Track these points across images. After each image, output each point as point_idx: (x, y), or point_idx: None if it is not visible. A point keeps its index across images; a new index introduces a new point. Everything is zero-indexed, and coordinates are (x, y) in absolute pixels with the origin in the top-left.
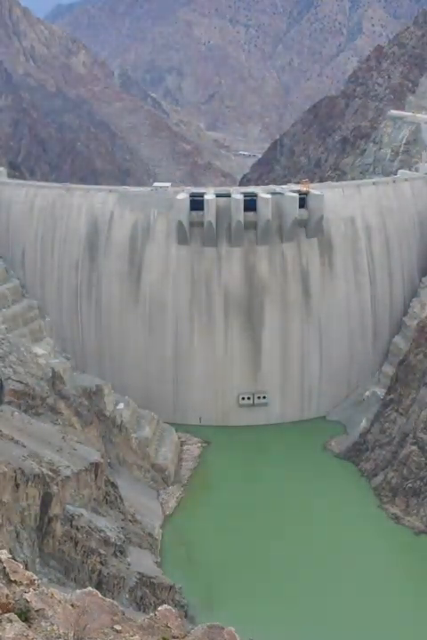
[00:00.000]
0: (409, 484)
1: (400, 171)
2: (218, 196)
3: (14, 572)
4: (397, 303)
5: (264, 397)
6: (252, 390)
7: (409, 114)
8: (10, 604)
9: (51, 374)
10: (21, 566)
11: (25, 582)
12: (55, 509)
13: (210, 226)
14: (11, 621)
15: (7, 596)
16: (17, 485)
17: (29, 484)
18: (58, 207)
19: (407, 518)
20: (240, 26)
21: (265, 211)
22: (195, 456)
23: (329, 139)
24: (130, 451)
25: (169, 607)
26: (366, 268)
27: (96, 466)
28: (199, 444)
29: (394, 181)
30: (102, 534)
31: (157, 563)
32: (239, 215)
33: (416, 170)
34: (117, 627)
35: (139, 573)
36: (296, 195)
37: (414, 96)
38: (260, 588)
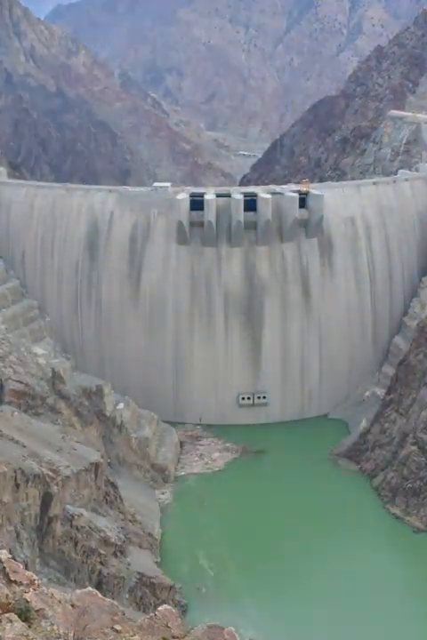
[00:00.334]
0: (409, 484)
1: (400, 171)
2: (218, 195)
3: (14, 572)
4: (397, 303)
5: (264, 397)
6: (252, 390)
7: (409, 114)
8: (10, 603)
9: (51, 374)
10: (21, 566)
11: (25, 582)
12: (55, 509)
13: (210, 226)
14: (11, 621)
15: (7, 596)
16: (17, 485)
17: (29, 484)
18: (58, 207)
19: (407, 518)
20: (240, 26)
21: (265, 211)
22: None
23: (329, 139)
24: (130, 451)
25: (169, 607)
26: (366, 268)
27: (96, 466)
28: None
29: (394, 181)
30: (102, 534)
31: (157, 563)
32: (239, 215)
33: (416, 170)
34: (117, 627)
35: (139, 573)
36: (296, 195)
37: (414, 96)
38: (260, 588)
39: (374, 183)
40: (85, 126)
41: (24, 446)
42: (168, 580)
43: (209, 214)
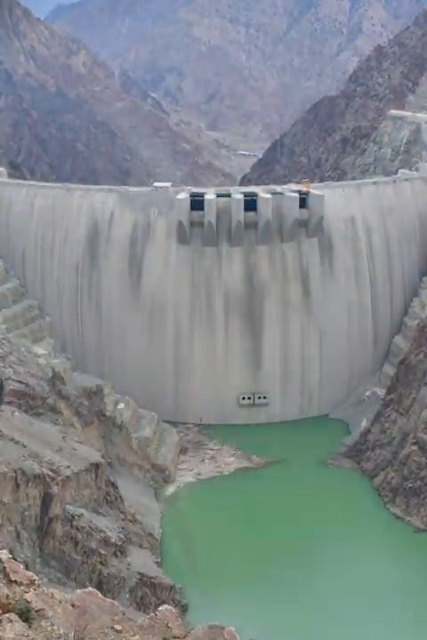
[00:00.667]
0: (409, 484)
1: (400, 171)
2: (218, 195)
3: (15, 572)
4: (397, 303)
5: (264, 397)
6: (252, 390)
7: (409, 114)
8: (10, 603)
9: (51, 374)
10: (22, 566)
11: (25, 582)
12: (55, 509)
13: (210, 226)
14: (11, 621)
15: (7, 595)
16: (17, 485)
17: (30, 484)
18: (58, 207)
19: (408, 518)
20: (240, 26)
21: (265, 211)
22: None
23: (329, 139)
24: (130, 451)
25: (169, 607)
26: (367, 268)
27: (96, 466)
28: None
29: (394, 181)
30: (102, 534)
31: (157, 563)
32: (239, 215)
33: (416, 170)
34: (117, 627)
35: (139, 573)
36: (296, 195)
37: (415, 96)
38: (260, 588)
39: (375, 183)
40: (85, 126)
41: (24, 446)
42: (168, 580)
43: (209, 214)
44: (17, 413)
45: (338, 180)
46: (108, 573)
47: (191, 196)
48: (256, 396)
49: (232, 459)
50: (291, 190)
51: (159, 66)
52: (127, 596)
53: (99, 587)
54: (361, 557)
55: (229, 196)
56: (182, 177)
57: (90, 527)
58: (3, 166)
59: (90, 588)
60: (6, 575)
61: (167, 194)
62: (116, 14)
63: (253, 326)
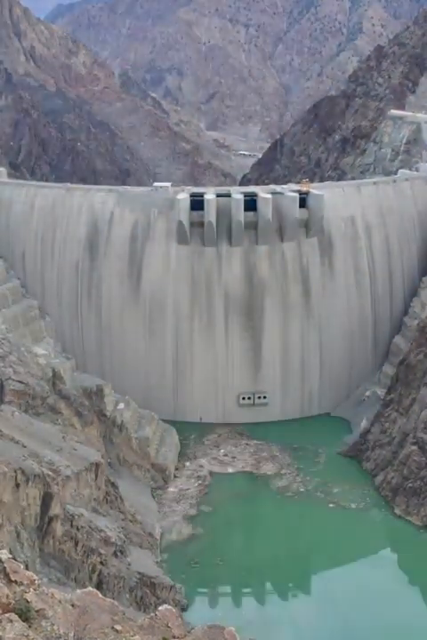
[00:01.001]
0: (409, 484)
1: (400, 171)
2: (218, 195)
3: (15, 572)
4: (397, 303)
5: (264, 397)
6: (252, 390)
7: (409, 114)
8: (10, 603)
9: (51, 374)
10: (22, 566)
11: (25, 582)
12: (55, 509)
13: (210, 226)
14: (11, 621)
15: (7, 595)
16: (17, 485)
17: (30, 483)
18: (58, 207)
19: (408, 518)
20: (240, 26)
21: (265, 211)
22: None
23: (329, 139)
24: (130, 451)
25: (169, 607)
26: (367, 268)
27: (96, 466)
28: None
29: (394, 181)
30: (102, 534)
31: (157, 563)
32: (239, 215)
33: (416, 170)
34: (117, 627)
35: (139, 573)
36: (296, 195)
37: (415, 96)
38: (260, 587)
39: (375, 183)
40: (85, 126)
41: (24, 446)
42: (168, 580)
43: (209, 214)
44: (17, 413)
45: (338, 179)
46: (108, 573)
47: (191, 196)
48: (256, 396)
49: (232, 458)
50: (291, 190)
51: (159, 66)
52: (127, 595)
53: (99, 587)
54: (361, 557)
55: (229, 196)
56: (182, 177)
57: (90, 527)
58: (3, 166)
59: (90, 588)
60: (6, 575)
61: (167, 194)
62: (116, 14)
63: (253, 326)
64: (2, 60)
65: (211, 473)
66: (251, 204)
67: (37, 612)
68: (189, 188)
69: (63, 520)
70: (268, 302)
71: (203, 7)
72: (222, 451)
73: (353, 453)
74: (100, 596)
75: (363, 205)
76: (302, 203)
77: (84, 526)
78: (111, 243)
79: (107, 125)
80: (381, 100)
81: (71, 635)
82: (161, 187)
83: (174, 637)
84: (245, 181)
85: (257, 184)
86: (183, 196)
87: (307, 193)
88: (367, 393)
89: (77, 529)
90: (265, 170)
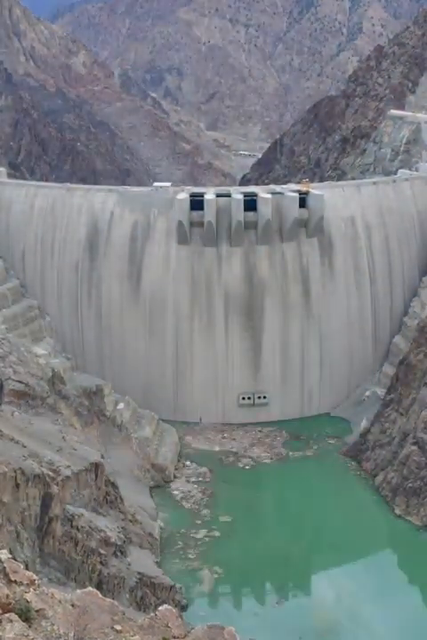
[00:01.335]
0: (409, 484)
1: (400, 171)
2: (218, 195)
3: (14, 572)
4: (397, 303)
5: (264, 397)
6: (252, 390)
7: (409, 114)
8: (10, 603)
9: (51, 374)
10: (22, 566)
11: (25, 582)
12: (55, 509)
13: (210, 226)
14: (11, 621)
15: (7, 595)
16: (17, 485)
17: (29, 484)
18: (58, 207)
19: (408, 518)
20: (240, 26)
21: (265, 211)
22: None
23: (329, 139)
24: (130, 451)
25: (169, 607)
26: (367, 268)
27: (96, 466)
28: None
29: (394, 181)
30: (102, 534)
31: (157, 563)
32: (239, 215)
33: (416, 170)
34: (117, 627)
35: (139, 573)
36: (296, 195)
37: (415, 96)
38: (260, 587)
39: (374, 183)
40: (85, 126)
41: (24, 446)
42: (168, 580)
43: (209, 214)
44: (17, 413)
45: (338, 180)
46: (108, 573)
47: (191, 196)
48: (256, 396)
49: (233, 458)
50: (291, 190)
51: (159, 66)
52: (127, 595)
53: (99, 587)
54: (361, 557)
55: (229, 196)
56: (182, 177)
57: (90, 527)
58: (3, 166)
59: (90, 588)
60: (6, 575)
61: (167, 194)
62: (115, 14)
63: (253, 326)
64: (2, 60)
65: (208, 472)
66: (251, 204)
67: (37, 612)
68: (189, 188)
69: (63, 520)
70: (268, 302)
71: (203, 7)
72: (219, 452)
73: (353, 453)
74: (100, 596)
75: (363, 205)
76: (302, 203)
77: (84, 526)
78: (111, 243)
79: (107, 125)
80: (381, 100)
81: (71, 635)
82: (161, 187)
83: (174, 637)
84: (245, 181)
85: (257, 184)
86: (183, 196)
87: (307, 193)
88: (367, 393)
89: (77, 529)
90: (265, 170)
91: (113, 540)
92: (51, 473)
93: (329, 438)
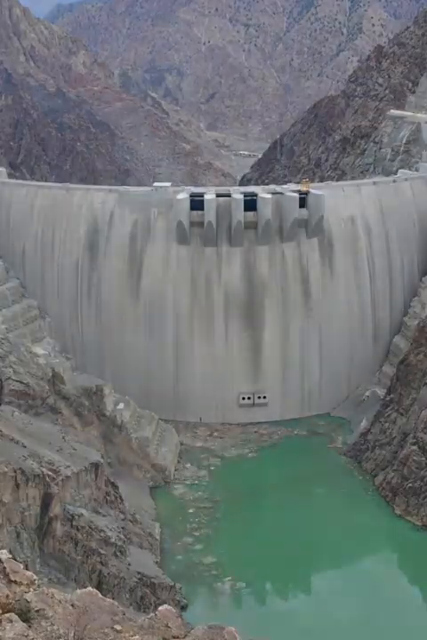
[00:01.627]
0: (409, 484)
1: (400, 171)
2: (218, 195)
3: (14, 572)
4: (397, 303)
5: (264, 397)
6: (252, 390)
7: (409, 114)
8: (10, 603)
9: (51, 374)
10: (21, 566)
11: (25, 582)
12: (55, 509)
13: (210, 226)
14: (11, 621)
15: (7, 595)
16: (17, 485)
17: (29, 484)
18: (58, 207)
19: (408, 518)
20: (240, 26)
21: (265, 211)
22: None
23: (329, 139)
24: (130, 451)
25: (169, 607)
26: (367, 268)
27: (96, 466)
28: None
29: (394, 181)
30: (102, 534)
31: (157, 563)
32: (239, 215)
33: (416, 170)
34: (117, 627)
35: (139, 573)
36: (296, 195)
37: (415, 96)
38: (260, 587)
39: (374, 183)
40: (85, 126)
41: (24, 446)
42: (168, 580)
43: (209, 214)
44: (17, 413)
45: (338, 180)
46: (108, 573)
47: (191, 196)
48: (256, 396)
49: (232, 458)
50: (291, 190)
51: (159, 66)
52: (127, 595)
53: (99, 587)
54: (361, 557)
55: (229, 196)
56: (182, 177)
57: (90, 527)
58: (3, 166)
59: (90, 588)
60: (6, 575)
61: (167, 194)
62: (116, 14)
63: (253, 326)
64: (2, 60)
65: (208, 471)
66: (251, 204)
67: (37, 612)
68: (189, 188)
69: (63, 520)
70: (268, 302)
71: (203, 7)
72: (219, 451)
73: (353, 453)
74: (100, 596)
75: (363, 205)
76: (302, 203)
77: (84, 526)
78: (111, 243)
79: (107, 125)
80: (381, 100)
81: (71, 635)
82: (161, 187)
83: (174, 637)
84: (245, 181)
85: (257, 184)
86: (183, 196)
87: (307, 193)
88: (367, 393)
89: (77, 529)
90: (265, 170)
91: (113, 540)
92: (51, 473)
93: (329, 438)
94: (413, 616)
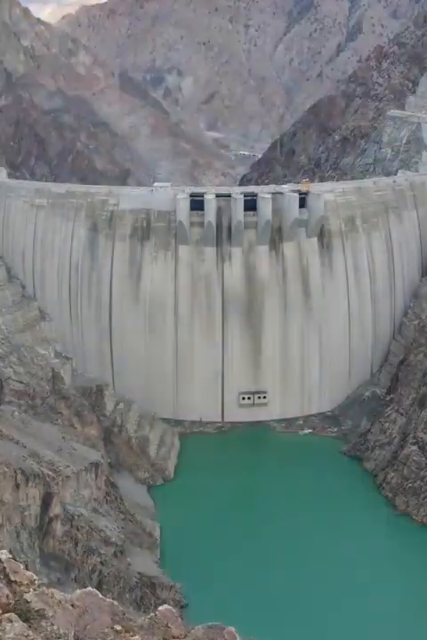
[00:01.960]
0: (409, 484)
1: (400, 171)
2: (218, 196)
3: (14, 572)
4: (397, 303)
5: (264, 397)
6: (252, 389)
7: (409, 114)
8: (10, 604)
9: (51, 374)
10: (21, 566)
11: (25, 582)
12: (55, 509)
13: (210, 226)
14: (11, 621)
15: (7, 596)
16: (17, 485)
17: (30, 484)
18: (58, 207)
19: (408, 517)
20: (240, 26)
21: (265, 211)
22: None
23: (329, 139)
24: (130, 451)
25: (169, 607)
26: (367, 268)
27: (96, 466)
28: None
29: (394, 181)
30: (102, 534)
31: (157, 563)
32: (239, 215)
33: (416, 170)
34: (117, 627)
35: (139, 573)
36: (296, 195)
37: (414, 96)
38: (261, 587)
39: (374, 183)
40: (85, 126)
41: (24, 446)
42: (168, 580)
43: (209, 214)
44: (17, 413)
45: (338, 180)
46: (108, 573)
47: (191, 195)
48: (256, 396)
49: (232, 457)
50: (291, 190)
51: (159, 66)
52: (127, 595)
53: (99, 587)
54: (361, 556)
55: (229, 196)
56: (182, 177)
57: (90, 527)
58: (3, 166)
59: (90, 588)
60: (6, 575)
61: (167, 194)
62: (115, 14)
63: (253, 326)
64: (2, 59)
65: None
66: (251, 204)
67: (37, 611)
68: (189, 188)
69: (63, 520)
70: (268, 302)
71: (203, 7)
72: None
73: (353, 453)
74: (100, 596)
75: (363, 205)
76: (302, 203)
77: (84, 526)
78: (111, 243)
79: (107, 125)
80: (381, 100)
81: (71, 635)
82: (161, 187)
83: (174, 637)
84: (245, 181)
85: (257, 184)
86: (183, 196)
87: (307, 193)
88: (367, 393)
89: (77, 529)
90: (265, 170)
91: (113, 539)
92: (51, 473)
93: (329, 438)
94: (412, 615)
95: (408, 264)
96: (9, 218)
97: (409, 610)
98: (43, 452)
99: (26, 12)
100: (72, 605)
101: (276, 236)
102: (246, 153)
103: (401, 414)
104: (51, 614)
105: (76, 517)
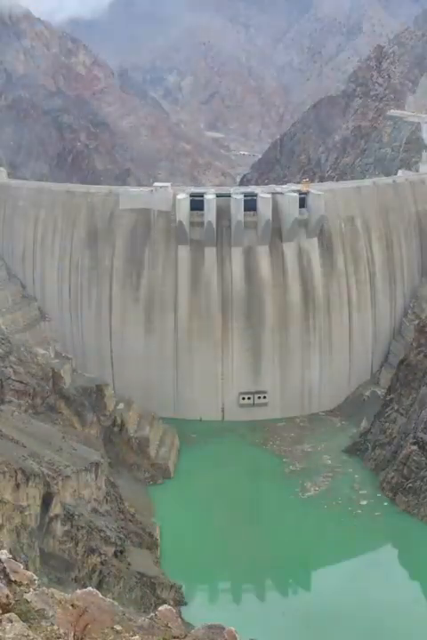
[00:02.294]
0: (410, 484)
1: (400, 171)
2: (218, 196)
3: (14, 572)
4: (397, 303)
5: (264, 397)
6: (252, 389)
7: (409, 114)
8: (10, 604)
9: (51, 374)
10: (21, 566)
11: (25, 582)
12: (55, 509)
13: (210, 226)
14: (11, 621)
15: (7, 596)
16: (17, 485)
17: (30, 483)
18: (58, 207)
19: (408, 517)
20: (240, 26)
21: (265, 211)
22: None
23: (329, 139)
24: (130, 451)
25: (169, 607)
26: (367, 268)
27: (96, 466)
28: None
29: (394, 181)
30: (102, 534)
31: (156, 562)
32: (239, 215)
33: (416, 170)
34: (117, 627)
35: (139, 573)
36: (296, 195)
37: (414, 96)
38: (261, 586)
39: (374, 183)
40: (85, 126)
41: (24, 446)
42: (168, 580)
43: (209, 214)
44: (17, 413)
45: (338, 180)
46: (108, 573)
47: (191, 195)
48: (256, 396)
49: (232, 457)
50: (291, 190)
51: (159, 66)
52: (127, 595)
53: (99, 587)
54: (362, 556)
55: (229, 196)
56: (182, 177)
57: (90, 527)
58: (3, 166)
59: (90, 588)
60: (6, 575)
61: (167, 194)
62: (116, 14)
63: (253, 326)
64: (2, 60)
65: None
66: (251, 204)
67: (37, 612)
68: (188, 187)
69: (63, 520)
70: (268, 302)
71: (203, 7)
72: (220, 451)
73: (353, 453)
74: (100, 596)
75: (363, 205)
76: (302, 203)
77: (84, 526)
78: (111, 243)
79: (107, 125)
80: (381, 100)
81: (71, 635)
82: (161, 187)
83: (174, 637)
84: (245, 181)
85: (257, 184)
86: (183, 196)
87: (307, 193)
88: (367, 393)
89: (77, 529)
90: (265, 170)
91: (113, 539)
92: (51, 473)
93: (329, 438)
94: (412, 615)
95: (408, 264)
96: (9, 218)
97: (409, 610)
98: (43, 451)
99: (26, 12)
100: (72, 605)
101: (276, 236)
102: (246, 153)
103: (401, 414)
104: (51, 614)
105: (76, 517)
